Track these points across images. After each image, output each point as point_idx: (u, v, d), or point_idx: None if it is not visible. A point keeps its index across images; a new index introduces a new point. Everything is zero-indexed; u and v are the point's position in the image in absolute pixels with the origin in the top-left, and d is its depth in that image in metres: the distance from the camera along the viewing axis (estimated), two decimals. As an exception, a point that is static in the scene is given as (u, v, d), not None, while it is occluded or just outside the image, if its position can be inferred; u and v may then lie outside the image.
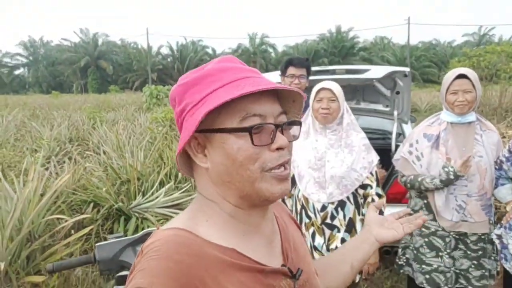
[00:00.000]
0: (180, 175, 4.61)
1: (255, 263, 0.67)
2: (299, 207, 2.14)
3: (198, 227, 0.67)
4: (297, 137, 0.74)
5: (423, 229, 2.15)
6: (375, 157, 2.08)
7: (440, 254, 2.10)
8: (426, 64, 43.97)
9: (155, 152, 5.21)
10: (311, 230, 2.09)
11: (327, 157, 2.04)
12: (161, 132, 7.06)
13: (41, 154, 5.01)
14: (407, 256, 2.26)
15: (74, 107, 15.68)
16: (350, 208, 2.04)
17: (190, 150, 0.69)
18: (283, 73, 2.76)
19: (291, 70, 2.69)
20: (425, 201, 2.16)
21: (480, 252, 2.08)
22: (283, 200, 2.26)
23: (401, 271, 2.30)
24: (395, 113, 3.60)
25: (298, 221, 2.10)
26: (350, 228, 2.04)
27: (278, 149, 0.67)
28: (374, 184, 2.04)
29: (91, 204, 3.73)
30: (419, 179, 2.10)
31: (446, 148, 2.06)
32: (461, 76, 2.00)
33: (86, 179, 4.20)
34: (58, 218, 3.32)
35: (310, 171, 2.06)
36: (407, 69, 3.39)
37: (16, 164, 4.85)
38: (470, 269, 2.07)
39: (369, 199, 2.03)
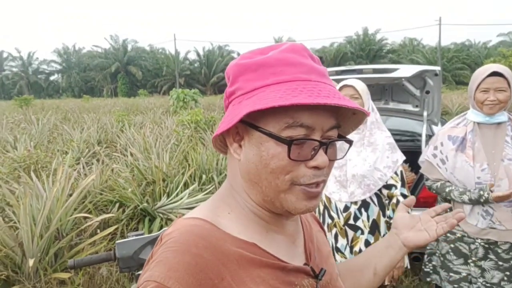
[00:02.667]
0: (204, 176, 4.63)
1: (277, 260, 0.64)
2: (321, 207, 2.09)
3: (219, 218, 0.65)
4: (343, 156, 0.69)
5: (448, 235, 2.02)
6: (400, 157, 1.98)
7: (469, 261, 1.97)
8: (459, 66, 42.65)
9: (180, 154, 5.25)
10: (333, 231, 2.03)
11: (348, 155, 1.97)
12: (186, 134, 7.13)
13: (70, 155, 5.15)
14: (433, 263, 2.14)
15: (104, 110, 16.12)
16: (374, 209, 1.96)
17: (227, 137, 0.66)
18: None
19: None
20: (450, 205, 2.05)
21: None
22: None
23: (428, 279, 2.18)
24: (425, 113, 3.46)
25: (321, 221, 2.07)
26: (374, 230, 1.96)
27: (315, 167, 0.61)
28: (399, 184, 1.94)
29: (117, 204, 3.78)
30: (447, 189, 1.98)
31: (473, 150, 1.92)
32: (495, 73, 1.85)
33: (113, 180, 4.27)
34: (85, 217, 3.39)
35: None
36: (437, 68, 3.25)
37: (47, 164, 5.00)
38: (503, 283, 1.91)
39: (394, 200, 1.94)
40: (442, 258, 2.06)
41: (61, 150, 6.56)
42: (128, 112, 14.51)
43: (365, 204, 1.95)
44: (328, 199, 2.02)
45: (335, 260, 1.99)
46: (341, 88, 1.99)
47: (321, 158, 0.61)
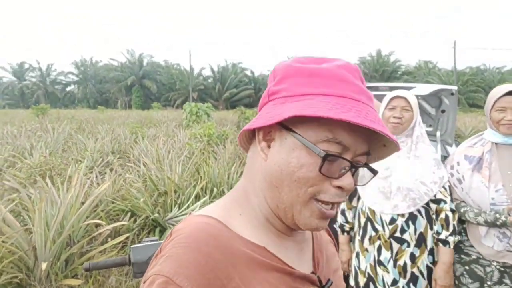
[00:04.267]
0: (215, 190, 4.64)
1: (285, 265, 0.64)
2: (363, 220, 2.03)
3: (231, 219, 0.64)
4: (364, 184, 0.68)
5: (463, 256, 1.97)
6: (445, 174, 1.95)
7: (484, 285, 1.91)
8: (473, 89, 42.46)
9: (193, 166, 5.29)
10: (377, 244, 1.96)
11: (394, 166, 1.94)
12: (198, 147, 7.19)
13: (84, 163, 5.23)
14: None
15: (118, 122, 16.35)
16: (421, 222, 1.91)
17: (259, 134, 0.65)
18: None
19: None
20: (464, 225, 2.00)
21: None
22: (343, 213, 2.19)
23: None
24: (438, 134, 3.44)
25: (361, 235, 2.04)
26: (420, 243, 1.91)
27: (339, 187, 0.61)
28: (448, 199, 1.91)
29: (129, 214, 3.81)
30: (462, 210, 1.95)
31: (490, 171, 1.88)
32: (511, 93, 1.82)
33: (125, 190, 4.31)
34: (96, 226, 3.42)
35: (375, 180, 1.97)
36: (454, 88, 3.25)
37: (62, 171, 5.07)
38: None
39: (442, 215, 1.90)
40: (456, 281, 2.01)
41: (75, 158, 6.66)
42: (141, 124, 14.69)
43: (412, 217, 1.90)
44: (372, 211, 1.97)
45: (377, 274, 1.95)
46: (393, 99, 1.97)
47: (348, 179, 0.61)
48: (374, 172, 0.66)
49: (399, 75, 51.07)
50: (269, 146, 0.64)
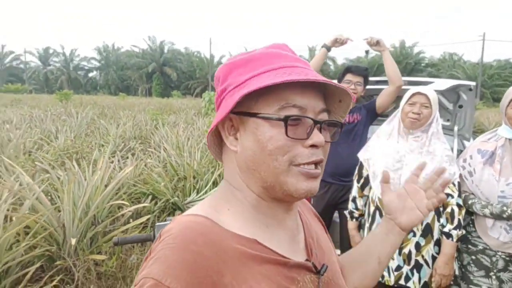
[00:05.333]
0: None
1: (278, 256, 0.64)
2: (372, 208, 2.12)
3: (219, 215, 0.64)
4: (336, 139, 0.70)
5: (469, 246, 2.04)
6: (457, 170, 2.01)
7: (490, 274, 1.98)
8: (499, 83, 41.20)
9: (211, 154, 5.41)
10: None
11: (406, 160, 2.01)
12: (217, 135, 7.30)
13: (108, 148, 5.43)
14: (455, 273, 2.16)
15: (139, 108, 16.66)
16: (429, 213, 1.98)
17: (222, 131, 0.67)
18: (340, 80, 2.81)
19: (349, 76, 2.74)
20: (472, 217, 2.06)
21: None
22: (353, 200, 2.28)
23: None
24: (456, 128, 3.45)
25: (369, 222, 2.14)
26: (427, 233, 1.98)
27: (312, 146, 0.63)
28: (455, 194, 1.97)
29: (150, 197, 3.99)
30: (469, 201, 2.01)
31: (501, 165, 1.93)
32: None
33: (147, 174, 4.49)
34: (119, 207, 3.61)
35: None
36: (472, 83, 3.25)
37: (87, 155, 5.29)
38: None
39: (448, 209, 1.97)
40: (463, 269, 2.09)
41: (99, 143, 6.90)
42: (162, 111, 14.95)
43: None
44: (381, 200, 2.06)
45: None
46: (413, 95, 2.02)
47: (317, 136, 0.63)
48: (338, 124, 0.69)
49: (422, 67, 49.94)
50: (236, 139, 0.66)
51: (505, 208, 1.87)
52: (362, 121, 2.78)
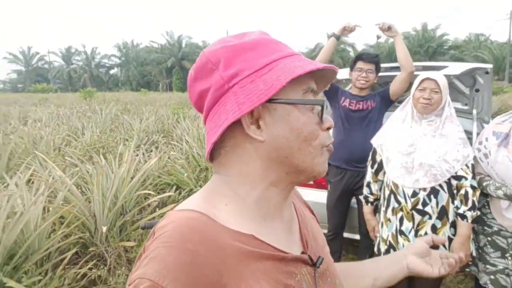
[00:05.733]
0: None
1: (276, 250, 0.62)
2: (387, 192, 2.18)
3: (215, 210, 0.61)
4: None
5: (485, 228, 2.08)
6: (471, 152, 2.04)
7: (506, 255, 2.02)
8: (529, 64, 39.59)
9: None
10: (399, 215, 2.10)
11: (418, 144, 2.05)
12: (237, 127, 7.44)
13: (133, 142, 5.65)
14: (472, 254, 2.21)
15: (160, 103, 16.97)
16: (443, 196, 2.02)
17: (244, 121, 0.61)
18: (352, 68, 2.86)
19: (360, 64, 2.78)
20: (488, 199, 2.09)
21: None
22: (368, 185, 2.35)
23: (467, 269, 2.25)
24: (474, 112, 3.45)
25: (385, 206, 2.22)
26: (442, 215, 2.02)
27: (328, 128, 0.66)
28: (469, 176, 2.00)
29: (174, 187, 4.16)
30: (484, 183, 2.04)
31: None
32: None
33: (170, 166, 4.67)
34: (145, 198, 3.79)
35: (398, 155, 2.09)
36: (489, 66, 3.23)
37: (113, 149, 5.52)
38: None
39: (462, 191, 2.00)
40: (480, 251, 2.13)
41: (123, 138, 7.15)
42: (182, 105, 15.19)
43: (434, 191, 2.01)
44: (395, 184, 2.11)
45: (397, 242, 2.09)
46: (423, 80, 2.06)
47: (330, 119, 0.66)
48: (319, 102, 0.68)
49: (444, 49, 48.54)
50: (257, 127, 0.62)
51: None
52: (377, 108, 2.83)
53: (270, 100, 0.59)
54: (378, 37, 2.93)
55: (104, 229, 2.77)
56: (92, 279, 2.62)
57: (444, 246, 2.04)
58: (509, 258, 2.01)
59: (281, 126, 0.61)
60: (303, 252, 0.68)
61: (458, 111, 3.75)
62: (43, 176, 3.47)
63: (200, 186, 4.11)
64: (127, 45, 66.05)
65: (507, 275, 2.02)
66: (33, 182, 3.43)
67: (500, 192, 1.97)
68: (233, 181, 0.64)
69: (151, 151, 5.63)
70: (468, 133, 3.68)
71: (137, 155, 5.02)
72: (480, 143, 2.12)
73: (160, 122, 9.13)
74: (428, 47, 48.27)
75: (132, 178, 3.69)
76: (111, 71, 68.59)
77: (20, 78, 69.18)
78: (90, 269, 2.64)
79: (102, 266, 2.69)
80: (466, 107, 3.66)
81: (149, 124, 8.40)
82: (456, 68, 3.19)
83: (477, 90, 3.38)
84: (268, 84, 0.58)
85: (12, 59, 66.80)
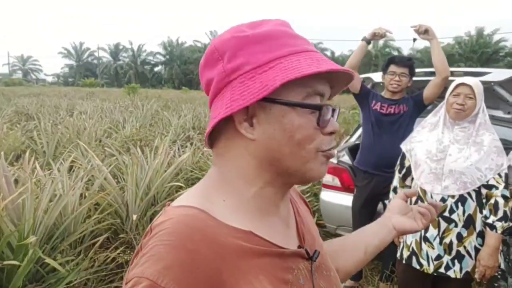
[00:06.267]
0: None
1: (274, 246, 0.62)
2: (414, 198, 2.14)
3: (213, 206, 0.60)
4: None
5: None
6: (506, 161, 1.97)
7: None
8: None
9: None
10: None
11: (449, 151, 2.01)
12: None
13: (169, 137, 5.84)
14: (502, 267, 2.12)
15: (200, 102, 17.35)
16: (471, 204, 1.98)
17: (236, 117, 0.60)
18: (384, 71, 2.82)
19: (392, 68, 2.74)
20: None
21: None
22: (394, 190, 2.30)
23: (495, 284, 2.16)
24: (518, 121, 3.28)
25: None
26: (469, 224, 1.98)
27: (330, 133, 0.63)
28: (501, 186, 1.94)
29: (205, 182, 4.25)
30: None
31: None
32: None
33: (203, 161, 4.78)
34: (177, 191, 3.92)
35: (427, 161, 2.06)
36: (538, 73, 3.06)
37: (150, 142, 5.74)
38: None
39: (492, 201, 1.94)
40: (510, 264, 2.05)
41: (161, 132, 7.40)
42: (220, 104, 15.43)
43: (462, 199, 1.97)
44: (423, 190, 2.07)
45: (421, 249, 2.06)
46: (457, 86, 2.03)
47: (335, 123, 0.64)
48: (335, 110, 0.67)
49: (500, 56, 46.03)
50: (250, 125, 0.60)
51: None
52: (409, 112, 2.77)
53: (266, 99, 0.57)
54: (414, 40, 2.86)
55: (135, 217, 2.90)
56: (120, 263, 2.75)
57: (469, 255, 1.98)
58: None
59: (274, 126, 0.59)
60: (299, 247, 0.68)
61: (499, 119, 3.59)
62: (83, 164, 3.68)
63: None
64: (172, 44, 67.96)
65: None
66: (74, 170, 3.65)
67: None
68: (230, 175, 0.63)
69: (186, 146, 5.79)
70: (510, 143, 3.52)
71: (172, 149, 5.20)
72: None
73: (197, 119, 9.36)
74: (482, 53, 45.99)
75: (165, 171, 3.83)
76: (156, 69, 70.87)
77: (71, 73, 73.25)
78: (119, 254, 2.78)
79: (129, 252, 2.82)
80: (509, 116, 3.49)
81: (187, 120, 8.64)
82: (499, 74, 3.05)
83: (522, 98, 3.21)
84: (263, 83, 0.57)
85: (66, 54, 70.88)
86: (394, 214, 0.94)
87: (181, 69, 64.49)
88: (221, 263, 0.54)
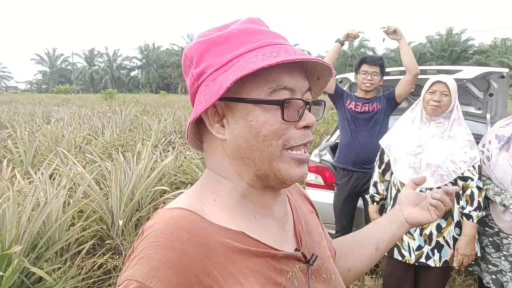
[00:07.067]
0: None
1: (267, 247, 0.61)
2: (394, 191, 2.23)
3: (204, 207, 0.61)
4: (320, 118, 0.68)
5: (487, 229, 2.11)
6: (478, 154, 2.08)
7: (500, 255, 2.05)
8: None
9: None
10: None
11: (426, 145, 2.10)
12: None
13: (150, 142, 5.81)
14: (477, 254, 2.23)
15: (179, 105, 17.22)
16: None
17: (206, 119, 0.62)
18: (357, 71, 2.91)
19: (364, 67, 2.83)
20: (489, 200, 2.12)
21: None
22: (375, 185, 2.38)
23: (470, 269, 2.27)
24: (488, 116, 3.44)
25: (391, 206, 2.26)
26: (448, 215, 2.07)
27: (305, 127, 0.62)
28: (475, 177, 2.04)
29: (189, 185, 4.27)
30: (484, 187, 2.07)
31: None
32: None
33: (186, 165, 4.79)
34: (160, 195, 3.91)
35: (406, 156, 2.14)
36: (505, 70, 3.22)
37: (131, 147, 5.70)
38: None
39: (468, 192, 2.05)
40: (482, 251, 2.16)
41: (141, 137, 7.33)
42: (200, 107, 15.37)
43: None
44: (402, 184, 2.16)
45: (402, 241, 2.13)
46: (434, 83, 2.11)
47: (310, 117, 0.62)
48: (323, 103, 0.68)
49: (469, 54, 47.63)
50: (222, 126, 0.62)
51: (511, 206, 1.93)
52: (382, 110, 2.87)
53: (229, 99, 0.59)
54: (384, 40, 2.96)
55: (121, 223, 2.90)
56: (107, 269, 2.74)
57: (448, 244, 2.08)
58: (503, 258, 2.04)
59: (240, 125, 0.60)
60: (296, 249, 0.67)
61: (471, 115, 3.76)
62: (64, 171, 3.64)
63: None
64: (149, 48, 67.23)
65: (503, 274, 2.04)
66: (54, 178, 3.60)
67: (497, 199, 2.00)
68: (217, 176, 0.64)
69: (168, 151, 5.78)
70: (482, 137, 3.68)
71: (154, 154, 5.18)
72: (483, 145, 2.15)
73: (177, 123, 9.31)
74: (451, 52, 47.48)
75: (149, 176, 3.82)
76: (132, 73, 70.00)
77: (45, 79, 71.50)
78: (106, 260, 2.77)
79: (117, 257, 2.81)
80: (479, 112, 3.65)
81: (167, 125, 8.58)
82: (470, 72, 3.20)
83: (491, 95, 3.37)
84: (219, 84, 0.57)
85: (38, 60, 69.08)
86: (405, 206, 0.91)
87: (158, 73, 63.88)
88: (210, 264, 0.54)
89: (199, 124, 0.65)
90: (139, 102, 19.38)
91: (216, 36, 0.61)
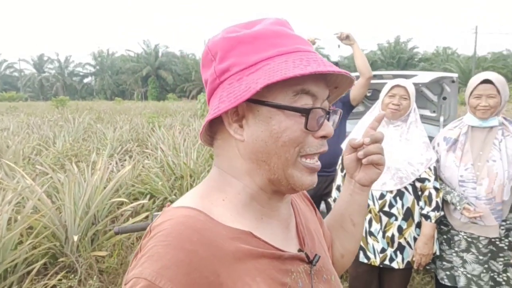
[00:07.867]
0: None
1: (273, 249, 0.62)
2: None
3: (212, 206, 0.61)
4: (337, 126, 0.68)
5: (441, 226, 2.19)
6: (434, 156, 2.14)
7: (452, 250, 2.13)
8: (493, 76, 41.61)
9: (207, 153, 5.54)
10: (368, 217, 2.18)
11: (385, 148, 2.11)
12: (213, 135, 7.42)
13: (106, 151, 5.55)
14: (436, 253, 2.29)
15: (135, 112, 16.77)
16: (408, 198, 2.11)
17: (225, 118, 0.61)
18: None
19: None
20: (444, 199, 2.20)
21: (489, 255, 2.06)
22: (338, 188, 2.38)
23: (428, 267, 2.33)
24: (441, 119, 3.59)
25: None
26: (408, 216, 2.11)
27: (322, 137, 0.62)
28: (432, 178, 2.10)
29: (148, 196, 4.10)
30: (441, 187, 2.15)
31: (462, 151, 2.07)
32: (486, 81, 1.99)
33: (145, 174, 4.61)
34: (118, 208, 3.72)
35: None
36: (455, 75, 3.38)
37: (85, 157, 5.40)
38: (482, 275, 2.05)
39: (426, 193, 2.10)
40: (439, 248, 2.22)
41: (96, 147, 7.01)
42: (158, 114, 15.04)
43: (400, 193, 2.10)
44: None
45: (367, 243, 2.15)
46: (393, 87, 2.15)
47: (329, 127, 0.62)
48: (337, 112, 0.68)
49: (415, 61, 50.34)
50: (240, 126, 0.61)
51: (459, 204, 2.02)
52: None
53: (253, 101, 0.58)
54: (339, 46, 3.00)
55: (75, 238, 2.70)
56: (62, 290, 2.54)
57: (409, 245, 2.11)
58: (454, 254, 2.12)
59: (261, 128, 0.59)
60: (300, 250, 0.68)
61: (426, 118, 3.90)
62: (10, 185, 3.36)
63: (175, 195, 4.08)
64: (103, 54, 65.02)
65: (455, 270, 2.12)
66: (-1, 192, 3.32)
67: (448, 197, 2.09)
68: (227, 175, 0.64)
69: (125, 160, 5.54)
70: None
71: (110, 163, 4.94)
72: (434, 147, 2.23)
73: (134, 131, 9.02)
74: (399, 59, 49.90)
75: (105, 187, 3.62)
76: (85, 80, 67.31)
77: (-14, 87, 66.92)
78: (60, 280, 2.56)
79: (72, 277, 2.61)
80: (434, 114, 3.80)
81: (123, 133, 8.28)
82: (425, 76, 3.32)
83: (444, 98, 3.52)
84: (247, 85, 0.56)
85: (-21, 66, 64.64)
86: (352, 172, 0.86)
87: (113, 79, 61.90)
88: (219, 265, 0.54)
89: (213, 121, 0.63)
90: (93, 109, 18.64)
91: (244, 34, 0.60)
